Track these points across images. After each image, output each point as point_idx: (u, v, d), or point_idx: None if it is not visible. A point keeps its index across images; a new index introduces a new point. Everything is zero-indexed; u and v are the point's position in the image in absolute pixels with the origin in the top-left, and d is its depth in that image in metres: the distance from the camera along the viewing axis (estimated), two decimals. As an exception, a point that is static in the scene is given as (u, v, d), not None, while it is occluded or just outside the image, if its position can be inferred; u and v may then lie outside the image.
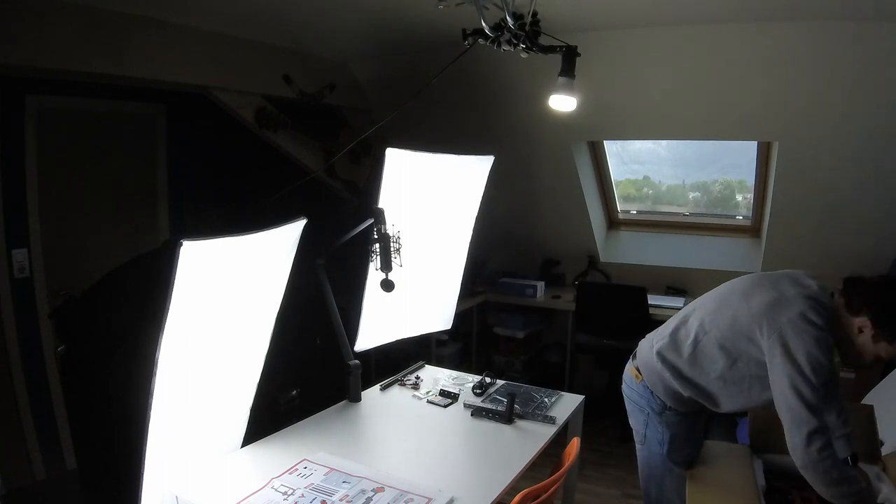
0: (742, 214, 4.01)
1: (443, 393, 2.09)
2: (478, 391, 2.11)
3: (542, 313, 4.22)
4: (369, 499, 1.42)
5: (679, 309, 3.63)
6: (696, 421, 1.87)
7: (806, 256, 3.63)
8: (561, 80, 2.15)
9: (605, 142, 3.87)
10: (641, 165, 4.26)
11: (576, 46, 2.10)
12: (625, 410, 1.97)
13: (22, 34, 2.13)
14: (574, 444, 1.73)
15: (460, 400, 2.05)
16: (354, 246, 2.02)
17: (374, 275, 1.97)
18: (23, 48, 2.15)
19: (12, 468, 2.71)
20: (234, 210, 3.52)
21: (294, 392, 2.66)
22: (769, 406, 1.60)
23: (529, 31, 1.99)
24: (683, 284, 4.03)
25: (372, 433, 1.91)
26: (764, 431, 1.92)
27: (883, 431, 2.34)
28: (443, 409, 1.99)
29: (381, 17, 2.75)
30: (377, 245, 1.90)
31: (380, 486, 1.48)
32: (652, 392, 1.83)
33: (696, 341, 1.74)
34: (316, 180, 3.54)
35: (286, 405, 2.64)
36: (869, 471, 1.73)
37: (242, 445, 1.71)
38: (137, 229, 3.26)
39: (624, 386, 1.97)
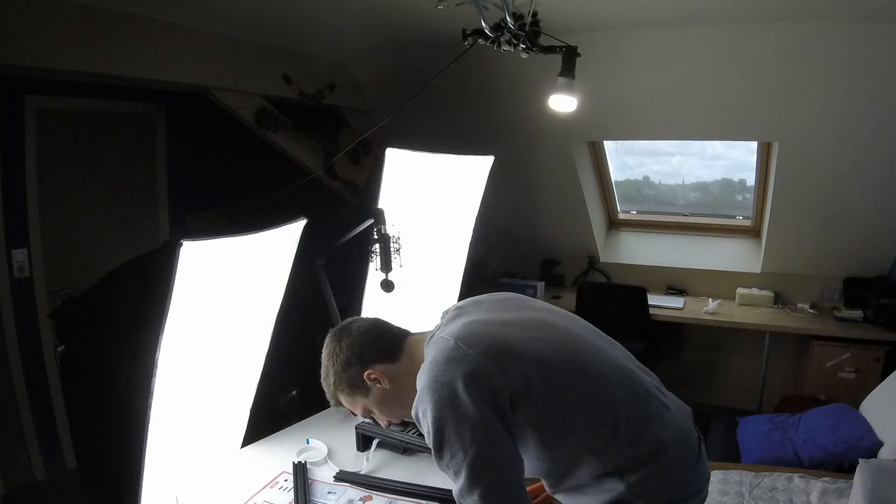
0: (742, 215, 4.01)
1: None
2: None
3: (542, 313, 4.21)
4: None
5: (679, 309, 3.67)
6: None
7: (806, 256, 3.63)
8: (561, 80, 2.14)
9: (604, 142, 3.87)
10: (641, 165, 4.27)
11: (576, 46, 2.10)
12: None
13: (22, 34, 2.13)
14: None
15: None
16: (354, 246, 2.02)
17: (374, 275, 1.96)
18: (23, 48, 2.15)
19: (12, 468, 2.71)
20: (233, 210, 3.52)
21: (294, 392, 2.66)
22: None
23: (529, 31, 1.99)
24: (683, 284, 4.03)
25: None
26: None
27: (883, 431, 2.34)
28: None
29: (380, 17, 2.75)
30: (377, 245, 1.90)
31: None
32: None
33: None
34: (316, 180, 3.54)
35: (286, 405, 2.64)
36: None
37: (242, 445, 1.71)
38: (137, 229, 3.26)
39: None
